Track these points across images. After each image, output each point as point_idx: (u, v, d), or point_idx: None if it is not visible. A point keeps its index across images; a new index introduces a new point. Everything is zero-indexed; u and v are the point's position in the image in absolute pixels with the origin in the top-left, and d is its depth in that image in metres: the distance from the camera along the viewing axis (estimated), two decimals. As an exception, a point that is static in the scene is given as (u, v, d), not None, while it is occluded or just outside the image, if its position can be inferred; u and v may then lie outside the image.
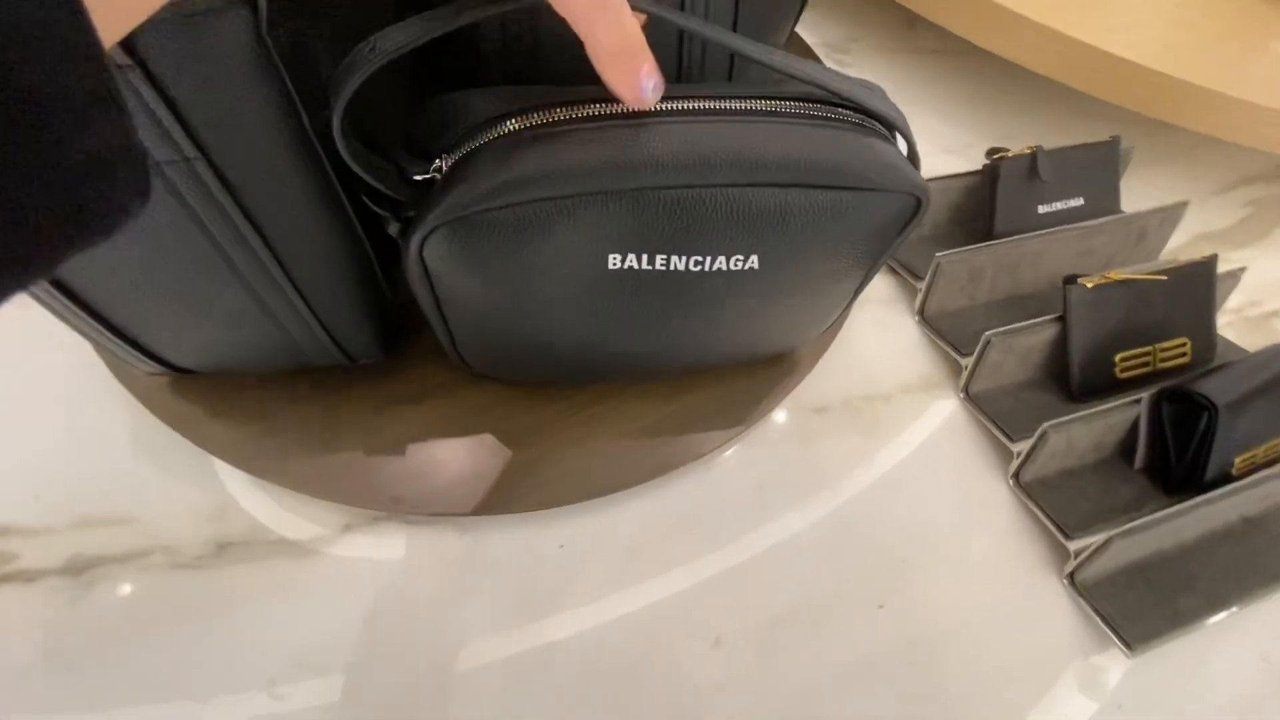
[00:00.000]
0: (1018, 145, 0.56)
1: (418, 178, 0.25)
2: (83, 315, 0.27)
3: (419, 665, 0.31)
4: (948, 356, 0.43)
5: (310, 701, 0.30)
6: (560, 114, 0.24)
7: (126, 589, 0.32)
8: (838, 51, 0.60)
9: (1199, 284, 0.43)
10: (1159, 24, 0.48)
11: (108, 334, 0.28)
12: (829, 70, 0.27)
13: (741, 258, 0.27)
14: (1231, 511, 0.38)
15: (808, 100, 0.26)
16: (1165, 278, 0.41)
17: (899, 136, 0.28)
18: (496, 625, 0.33)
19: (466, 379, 0.37)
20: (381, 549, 0.34)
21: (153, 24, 0.19)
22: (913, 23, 0.54)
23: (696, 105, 0.25)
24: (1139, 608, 0.35)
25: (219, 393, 0.35)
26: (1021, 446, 0.39)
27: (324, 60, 0.22)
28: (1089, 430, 0.38)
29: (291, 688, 0.30)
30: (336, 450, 0.35)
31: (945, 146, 0.55)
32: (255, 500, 0.35)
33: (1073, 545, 0.36)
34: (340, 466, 0.34)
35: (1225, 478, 0.38)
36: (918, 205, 0.28)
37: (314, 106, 0.23)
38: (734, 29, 0.39)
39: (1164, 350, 0.42)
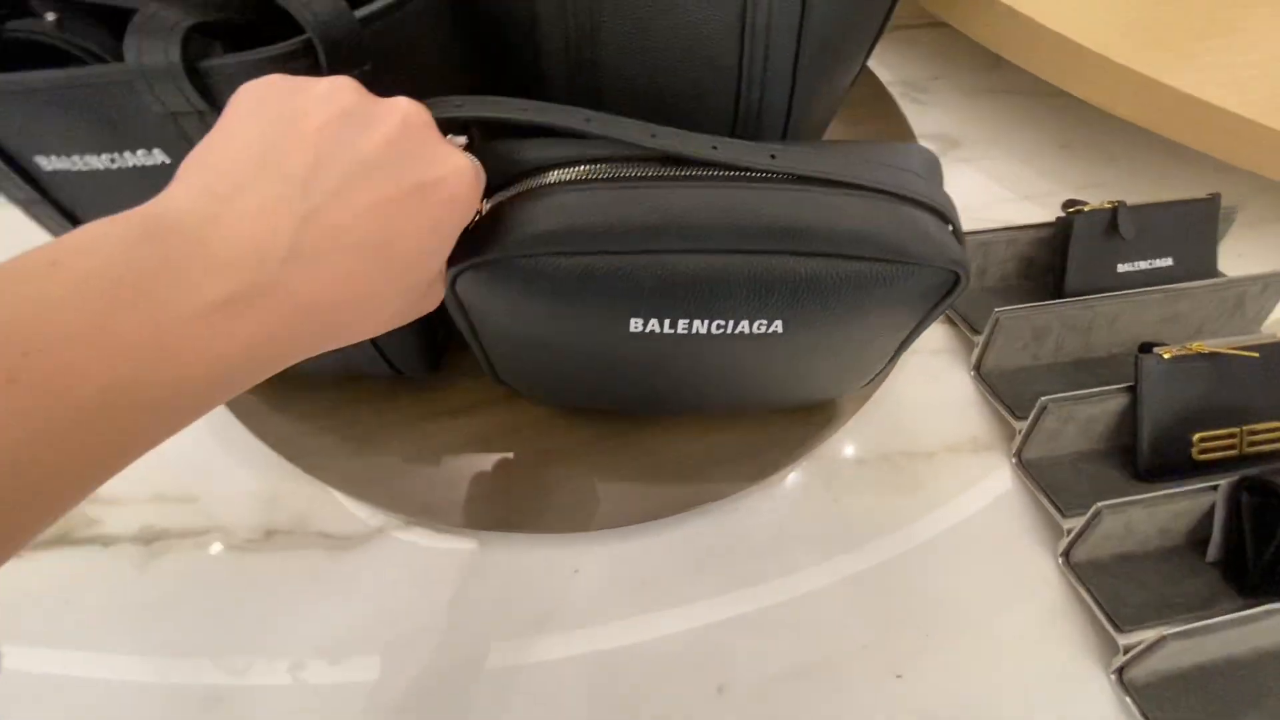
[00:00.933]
0: (1108, 194, 0.53)
1: None
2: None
3: (428, 664, 0.33)
4: (1001, 418, 0.41)
5: (323, 681, 0.32)
6: (599, 170, 0.25)
7: (184, 562, 0.35)
8: (916, 90, 0.58)
9: (1302, 364, 0.38)
10: (1270, 77, 0.44)
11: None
12: (859, 156, 0.27)
13: (765, 322, 0.26)
14: (1320, 623, 0.34)
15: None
16: (1258, 355, 0.37)
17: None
18: (505, 637, 0.33)
19: (503, 400, 0.39)
20: (409, 552, 0.36)
21: (235, 73, 0.21)
22: (998, 62, 0.51)
23: (728, 171, 0.25)
24: (1195, 718, 0.32)
25: (280, 390, 0.38)
26: (1073, 523, 0.36)
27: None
28: (1152, 515, 0.35)
29: (310, 670, 0.32)
30: (378, 454, 0.37)
31: (1025, 193, 0.53)
32: (303, 492, 0.37)
33: (1123, 639, 0.33)
34: (379, 470, 0.36)
35: (1313, 584, 0.34)
36: (956, 280, 0.26)
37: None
38: (794, 63, 0.39)
39: (1254, 434, 0.38)
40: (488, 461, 0.37)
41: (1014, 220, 0.49)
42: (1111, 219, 0.42)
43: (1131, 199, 0.44)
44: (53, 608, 0.34)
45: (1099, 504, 0.34)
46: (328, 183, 0.17)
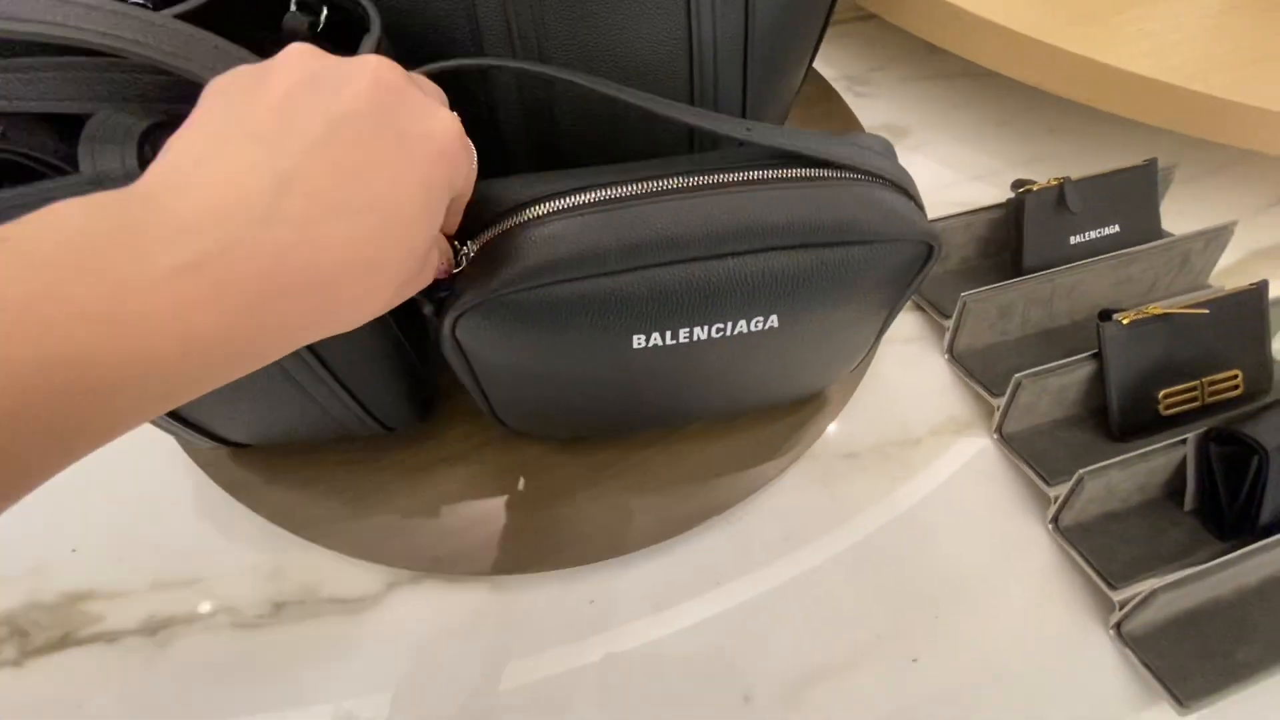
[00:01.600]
0: (1050, 166, 0.55)
1: None
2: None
3: (458, 712, 0.33)
4: (980, 396, 0.43)
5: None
6: (578, 199, 0.26)
7: (195, 648, 0.35)
8: (859, 84, 0.59)
9: (1248, 312, 0.41)
10: (1189, 41, 0.47)
11: (171, 421, 0.31)
12: (822, 137, 0.28)
13: (761, 319, 0.28)
14: (1295, 555, 0.36)
15: (811, 162, 0.27)
16: (1207, 310, 0.39)
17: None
18: (526, 675, 0.34)
19: (498, 440, 0.39)
20: (423, 605, 0.36)
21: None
22: (933, 49, 0.53)
23: (702, 180, 0.26)
24: (1193, 661, 0.34)
25: (272, 461, 0.38)
26: (1059, 490, 0.38)
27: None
28: (1130, 474, 0.37)
29: (343, 743, 0.32)
30: (378, 513, 0.37)
31: (974, 173, 0.54)
32: (307, 561, 0.37)
33: (1117, 596, 0.35)
34: (383, 529, 0.36)
35: (1283, 521, 0.36)
36: (929, 251, 0.28)
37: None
38: (744, 74, 0.40)
39: (1213, 384, 0.40)
40: (490, 505, 0.37)
41: (968, 201, 0.50)
42: (1059, 194, 0.44)
43: (1074, 169, 0.46)
44: (63, 715, 0.33)
45: (1080, 470, 0.36)
46: (300, 142, 0.16)
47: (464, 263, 0.26)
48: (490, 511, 0.37)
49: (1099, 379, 0.40)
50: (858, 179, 0.27)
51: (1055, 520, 0.38)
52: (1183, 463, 0.37)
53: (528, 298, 0.25)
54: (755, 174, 0.26)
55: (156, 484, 0.39)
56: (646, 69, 0.37)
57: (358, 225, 0.17)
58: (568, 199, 0.26)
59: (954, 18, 0.49)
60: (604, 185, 0.26)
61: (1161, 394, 0.40)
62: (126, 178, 0.20)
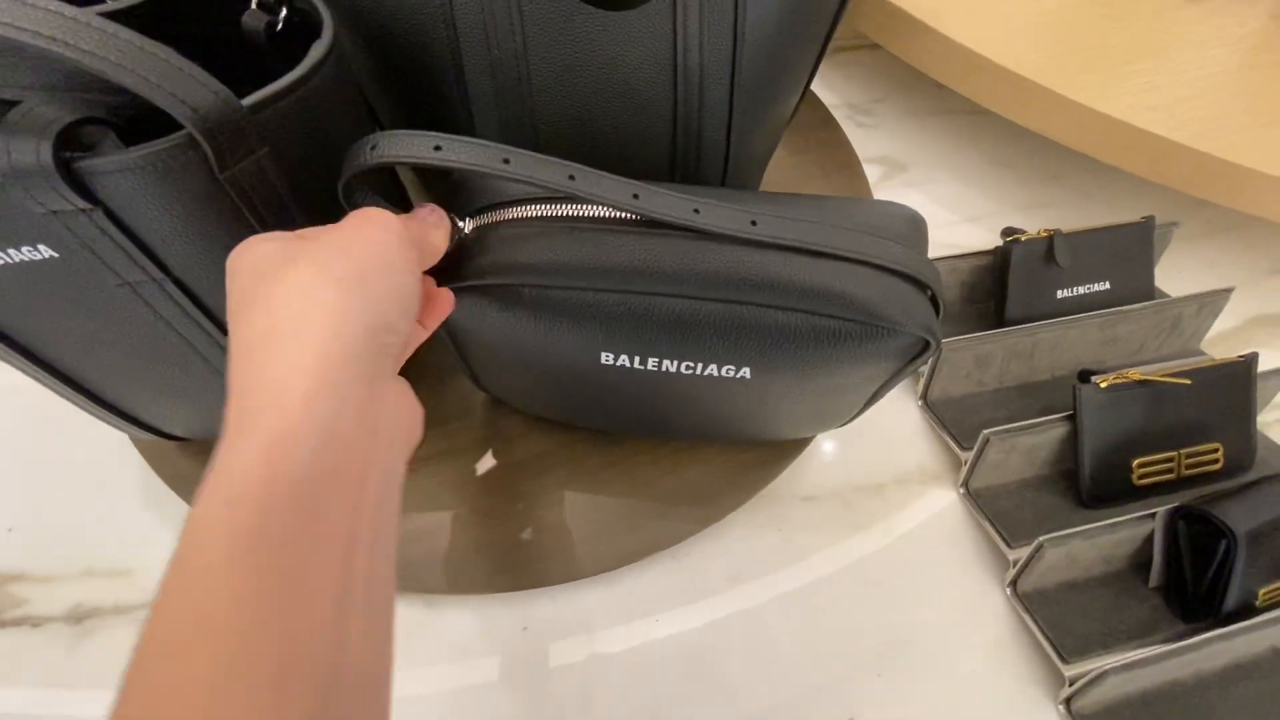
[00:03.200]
0: (1050, 214, 0.54)
1: None
2: (79, 395, 0.29)
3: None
4: (949, 446, 0.41)
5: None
6: (582, 211, 0.25)
7: (118, 640, 0.34)
8: (861, 113, 0.58)
9: (1235, 385, 0.39)
10: (1200, 98, 0.45)
11: (104, 410, 0.31)
12: (840, 207, 0.27)
13: (733, 368, 0.27)
14: (1260, 643, 0.35)
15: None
16: (1190, 381, 0.38)
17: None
18: (449, 700, 0.33)
19: (446, 454, 0.38)
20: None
21: (113, 172, 0.20)
22: (940, 84, 0.52)
23: (711, 224, 0.24)
24: (1142, 747, 0.32)
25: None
26: (1019, 554, 0.36)
27: (281, 182, 0.23)
28: (1094, 545, 0.36)
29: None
30: (318, 518, 0.36)
31: (969, 214, 0.53)
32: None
33: (1069, 671, 0.34)
34: (320, 535, 0.35)
35: (1249, 609, 0.34)
36: (925, 346, 0.27)
37: (274, 217, 0.24)
38: (730, 100, 0.39)
39: (1192, 456, 0.39)
40: (431, 521, 0.36)
41: (961, 244, 0.49)
42: (1048, 247, 0.42)
43: (1074, 218, 0.45)
44: (-20, 696, 0.32)
45: (1041, 538, 0.35)
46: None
47: (458, 238, 0.26)
48: (431, 527, 0.36)
49: (1072, 441, 0.39)
50: (876, 265, 0.25)
51: (1014, 584, 0.36)
52: (1150, 537, 0.36)
53: (512, 292, 0.25)
54: (764, 228, 0.25)
55: (103, 472, 0.39)
56: (629, 91, 0.36)
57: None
58: (572, 207, 0.25)
59: (958, 55, 0.48)
60: (612, 209, 0.25)
61: (1136, 463, 0.38)
62: (40, 172, 0.20)
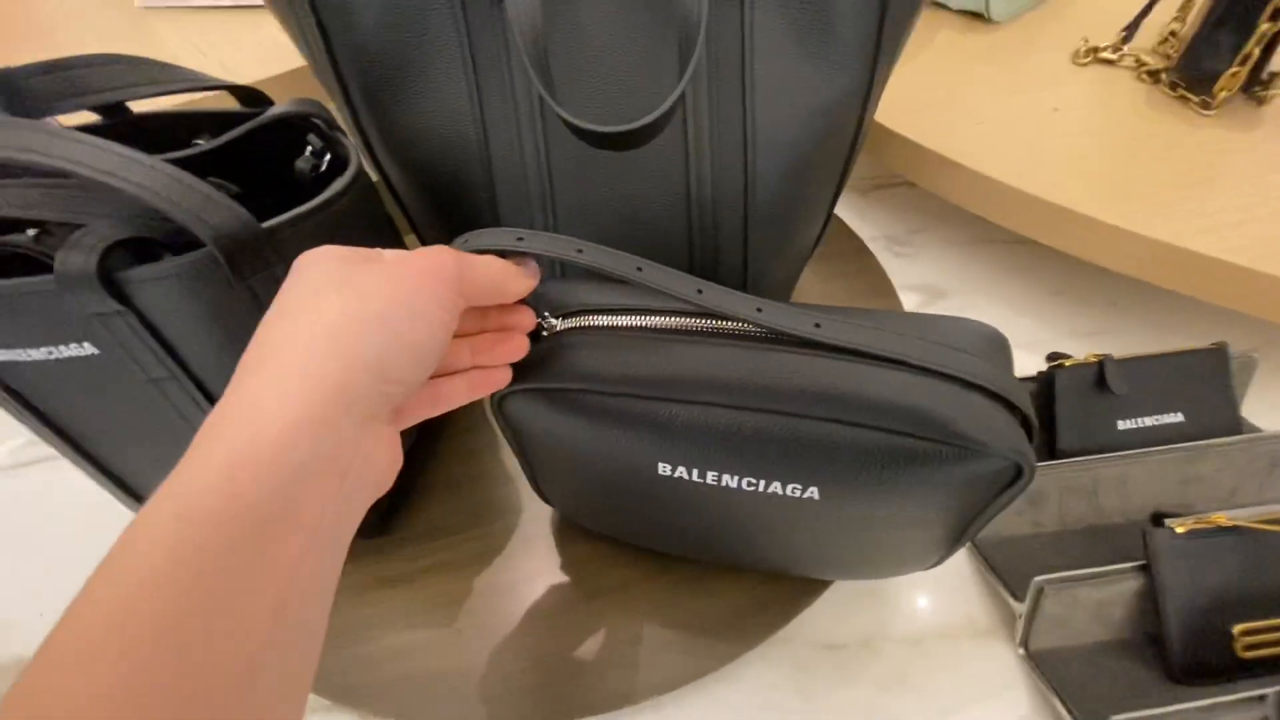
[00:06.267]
0: (1111, 341, 0.50)
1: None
2: (111, 483, 0.31)
3: None
4: (1002, 596, 0.36)
5: None
6: (645, 321, 0.26)
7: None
8: (899, 244, 0.59)
9: (1358, 538, 0.33)
10: (1253, 223, 0.42)
11: (133, 500, 0.33)
12: (927, 324, 0.26)
13: (799, 487, 0.25)
14: None
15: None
16: (1292, 530, 0.32)
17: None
18: None
19: (451, 563, 0.37)
20: (328, 745, 0.33)
21: (145, 280, 0.23)
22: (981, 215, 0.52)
23: (774, 322, 0.24)
24: None
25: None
26: (1095, 738, 0.30)
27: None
28: (1189, 733, 0.29)
29: None
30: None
31: (1019, 341, 0.50)
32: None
33: None
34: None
35: None
36: (1018, 473, 0.23)
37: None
38: (744, 233, 0.40)
39: (1313, 625, 0.32)
40: (419, 639, 0.35)
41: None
42: (1098, 374, 0.39)
43: (1139, 346, 0.41)
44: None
45: (1120, 718, 0.29)
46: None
47: (551, 330, 0.27)
48: (418, 645, 0.34)
49: (1151, 597, 0.33)
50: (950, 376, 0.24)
51: (1091, 779, 0.30)
52: (1268, 729, 0.29)
53: (574, 398, 0.26)
54: (837, 338, 0.24)
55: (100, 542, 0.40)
56: (644, 222, 0.39)
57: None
58: (634, 319, 0.26)
59: (992, 189, 0.48)
60: (672, 314, 0.26)
61: (1238, 629, 0.32)
62: (85, 280, 0.23)
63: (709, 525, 0.30)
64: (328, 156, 0.30)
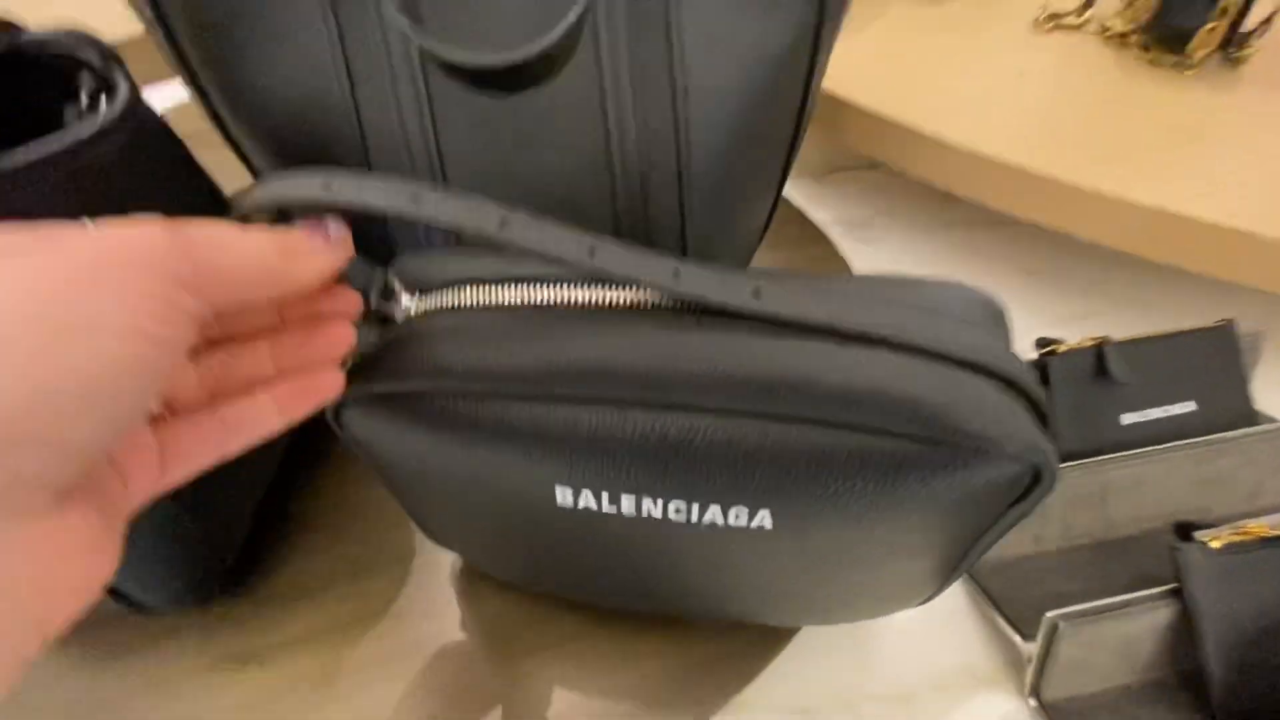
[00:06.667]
0: (1101, 324, 0.44)
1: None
2: None
3: None
4: (1005, 633, 0.30)
5: None
6: (529, 292, 0.19)
7: None
8: (859, 228, 0.53)
9: None
10: (1258, 184, 0.38)
11: None
12: (897, 287, 0.20)
13: (745, 511, 0.19)
14: None
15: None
16: (1348, 538, 0.26)
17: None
18: None
19: (320, 629, 0.29)
20: None
21: None
22: (949, 196, 0.47)
23: (693, 291, 0.18)
24: None
25: None
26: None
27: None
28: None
29: None
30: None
31: (998, 331, 0.45)
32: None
33: None
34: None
35: None
36: (1035, 479, 0.18)
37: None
38: (680, 206, 0.34)
39: (1379, 652, 0.26)
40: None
41: (988, 363, 0.40)
42: (1097, 359, 0.33)
43: (1132, 327, 0.36)
44: None
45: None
46: None
47: (403, 316, 0.20)
48: None
49: (1185, 628, 0.27)
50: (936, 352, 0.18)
51: None
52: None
53: (432, 405, 0.19)
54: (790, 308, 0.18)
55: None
56: (558, 197, 0.32)
57: None
58: (515, 288, 0.19)
59: (964, 161, 0.43)
60: (565, 283, 0.19)
61: (1293, 663, 0.26)
62: None
63: (635, 570, 0.23)
64: (104, 100, 0.22)
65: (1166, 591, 0.27)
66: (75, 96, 0.22)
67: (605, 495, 0.19)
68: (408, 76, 0.29)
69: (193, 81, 0.30)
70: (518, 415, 0.19)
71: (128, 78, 0.22)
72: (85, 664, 0.28)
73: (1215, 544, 0.27)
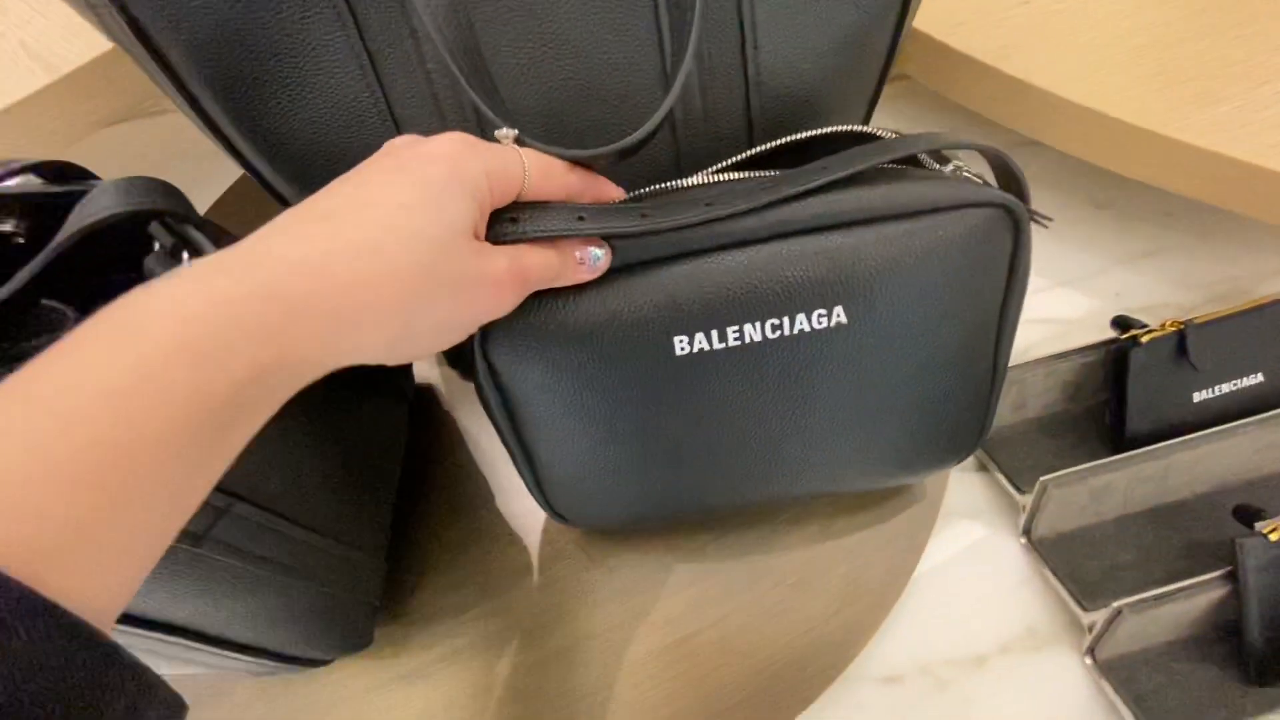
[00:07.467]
0: (1167, 263, 0.44)
1: None
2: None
3: None
4: (1065, 601, 0.34)
5: None
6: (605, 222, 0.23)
7: None
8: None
9: None
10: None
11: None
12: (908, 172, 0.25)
13: (824, 311, 0.24)
14: None
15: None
16: (1401, 529, 0.29)
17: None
18: None
19: (470, 647, 0.33)
20: None
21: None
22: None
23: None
24: None
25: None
26: (1175, 757, 0.29)
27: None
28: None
29: None
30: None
31: (1061, 277, 0.44)
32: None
33: None
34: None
35: None
36: (1012, 218, 0.24)
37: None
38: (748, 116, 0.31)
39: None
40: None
41: (1054, 316, 0.41)
42: (1179, 344, 0.33)
43: (1198, 269, 0.35)
44: None
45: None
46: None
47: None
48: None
49: (1233, 604, 0.30)
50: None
51: (1169, 796, 0.29)
52: (1359, 741, 0.28)
53: (557, 305, 0.24)
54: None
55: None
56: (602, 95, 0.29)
57: (348, 220, 0.18)
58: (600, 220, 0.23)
59: (1034, 99, 0.39)
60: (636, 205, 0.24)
61: (1326, 631, 0.30)
62: None
63: (737, 436, 0.28)
64: (185, 256, 0.21)
65: (1222, 575, 0.30)
66: (146, 243, 0.21)
67: (715, 332, 0.24)
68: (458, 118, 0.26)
69: (216, 133, 0.27)
70: (636, 285, 0.23)
71: (206, 231, 0.21)
72: (265, 692, 0.33)
73: (1275, 536, 0.29)
